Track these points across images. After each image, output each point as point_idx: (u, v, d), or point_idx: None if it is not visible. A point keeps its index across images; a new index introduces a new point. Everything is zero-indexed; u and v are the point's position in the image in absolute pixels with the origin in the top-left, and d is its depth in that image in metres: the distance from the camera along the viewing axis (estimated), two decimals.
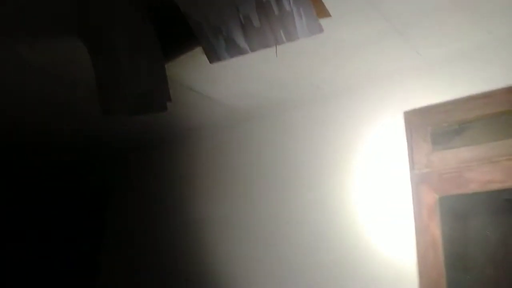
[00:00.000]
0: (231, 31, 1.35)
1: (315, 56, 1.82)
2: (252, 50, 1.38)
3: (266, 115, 2.35)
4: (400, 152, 1.84)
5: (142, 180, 2.95)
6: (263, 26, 1.30)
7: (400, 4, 1.49)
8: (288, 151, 2.22)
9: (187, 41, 1.55)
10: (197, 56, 1.67)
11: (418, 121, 1.83)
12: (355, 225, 1.88)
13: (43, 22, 1.59)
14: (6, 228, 3.31)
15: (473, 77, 1.71)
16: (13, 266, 3.25)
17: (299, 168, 2.15)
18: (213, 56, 1.45)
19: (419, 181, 1.77)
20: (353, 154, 1.97)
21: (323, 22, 1.33)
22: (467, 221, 1.73)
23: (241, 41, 1.37)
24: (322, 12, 1.31)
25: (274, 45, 1.34)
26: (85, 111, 2.31)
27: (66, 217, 3.39)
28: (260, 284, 2.11)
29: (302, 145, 2.17)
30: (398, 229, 1.76)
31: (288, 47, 1.46)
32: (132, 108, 1.53)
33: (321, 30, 1.28)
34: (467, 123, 1.73)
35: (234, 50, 1.41)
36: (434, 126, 1.79)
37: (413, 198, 1.76)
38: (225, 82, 2.06)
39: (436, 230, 1.68)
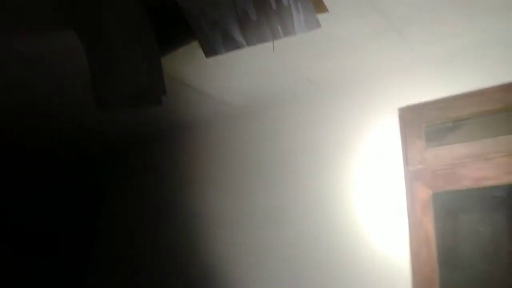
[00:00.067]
0: (228, 25, 1.34)
1: (311, 52, 1.82)
2: (249, 44, 1.37)
3: (261, 111, 2.35)
4: (394, 148, 1.85)
5: (136, 176, 2.93)
6: (260, 20, 1.29)
7: (396, 0, 1.49)
8: (283, 146, 2.22)
9: (183, 35, 1.54)
10: (193, 50, 1.65)
11: (412, 117, 1.84)
12: (349, 221, 1.89)
13: (38, 15, 1.56)
14: None
15: (468, 74, 1.72)
16: (6, 264, 3.20)
17: (294, 164, 2.15)
18: (209, 50, 1.44)
19: (412, 178, 1.78)
20: (347, 150, 1.98)
21: (320, 17, 1.32)
22: (460, 217, 1.74)
23: (238, 35, 1.36)
24: (320, 7, 1.31)
25: (271, 39, 1.33)
26: (79, 106, 2.29)
27: (59, 214, 3.33)
28: (256, 279, 2.11)
29: (296, 141, 2.17)
30: (391, 225, 1.77)
31: (284, 42, 1.45)
32: (127, 102, 1.52)
33: (318, 25, 1.28)
34: (461, 120, 1.74)
35: (231, 44, 1.39)
36: (428, 123, 1.80)
37: (406, 194, 1.77)
38: (220, 78, 2.05)
39: (429, 226, 1.69)
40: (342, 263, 1.85)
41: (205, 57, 1.46)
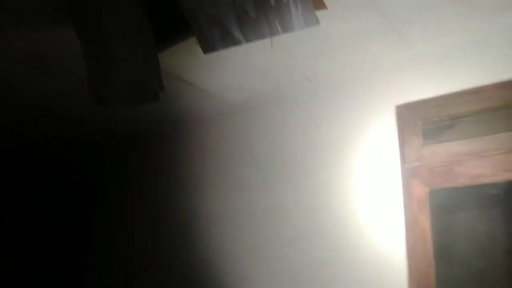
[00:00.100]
0: (226, 21, 1.33)
1: (309, 49, 1.81)
2: (247, 41, 1.36)
3: (259, 108, 2.34)
4: (391, 145, 1.85)
5: (134, 173, 2.92)
6: (258, 16, 1.28)
7: None
8: (281, 143, 2.22)
9: (181, 30, 1.53)
10: (190, 46, 1.65)
11: (409, 115, 1.84)
12: (346, 217, 1.90)
13: (34, 9, 1.55)
14: None
15: (465, 72, 1.72)
16: (3, 264, 3.18)
17: (292, 161, 2.15)
18: (207, 46, 1.43)
19: (409, 175, 1.78)
20: (345, 148, 1.98)
21: (319, 14, 1.32)
22: (457, 214, 1.75)
23: (236, 32, 1.35)
24: (319, 4, 1.30)
25: (269, 36, 1.32)
26: (75, 102, 2.28)
27: (56, 213, 3.29)
28: (255, 277, 2.12)
29: (294, 138, 2.17)
30: (388, 221, 1.78)
31: (282, 40, 1.45)
32: (124, 98, 1.51)
33: (317, 22, 1.27)
34: (458, 117, 1.74)
35: (229, 40, 1.39)
36: (425, 121, 1.80)
37: (403, 191, 1.78)
38: (218, 75, 2.04)
39: (425, 223, 1.70)
40: (340, 258, 1.86)
41: (203, 53, 1.45)
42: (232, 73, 2.03)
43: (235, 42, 1.38)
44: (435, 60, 1.81)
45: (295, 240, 2.03)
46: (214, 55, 1.47)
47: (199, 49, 1.44)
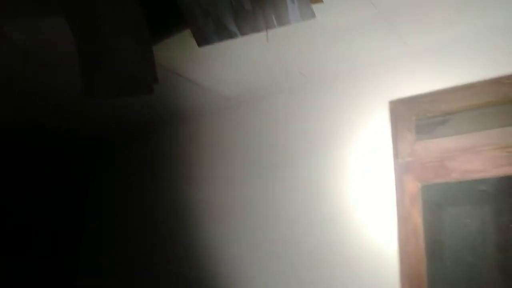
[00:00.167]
0: (221, 13, 1.32)
1: (303, 43, 1.81)
2: (242, 34, 1.35)
3: (254, 102, 2.34)
4: (384, 140, 1.86)
5: (126, 167, 2.91)
6: (254, 9, 1.28)
7: None
8: (275, 137, 2.22)
9: (175, 23, 1.52)
10: (185, 39, 1.64)
11: (403, 110, 1.84)
12: (339, 211, 1.90)
13: (28, 0, 1.53)
14: None
15: (458, 68, 1.73)
16: None
17: (285, 155, 2.15)
18: (202, 39, 1.42)
19: (402, 170, 1.79)
20: (338, 143, 1.99)
21: (314, 8, 1.32)
22: (448, 210, 1.76)
23: (231, 25, 1.34)
24: None
25: (265, 29, 1.32)
26: (67, 94, 2.25)
27: (43, 209, 3.25)
28: (249, 268, 2.12)
29: (288, 132, 2.17)
30: (381, 216, 1.79)
31: (276, 33, 1.44)
32: (117, 90, 1.49)
33: (313, 15, 1.27)
34: (451, 113, 1.75)
35: (224, 33, 1.38)
36: (418, 116, 1.81)
37: (396, 186, 1.79)
38: (212, 68, 2.03)
39: (417, 218, 1.71)
40: (332, 252, 1.87)
41: (197, 46, 1.44)
42: (226, 67, 2.02)
43: (230, 35, 1.37)
44: (429, 55, 1.81)
45: (287, 233, 2.03)
46: (209, 48, 1.46)
47: (193, 42, 1.44)
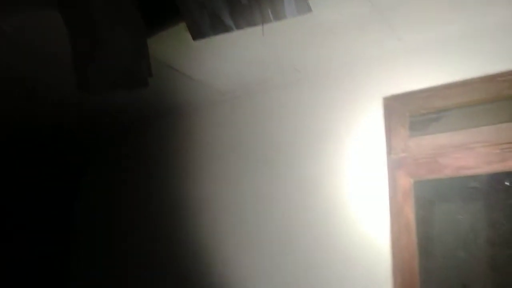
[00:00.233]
0: (216, 7, 1.32)
1: (298, 38, 1.80)
2: (238, 28, 1.35)
3: (248, 97, 2.33)
4: (378, 136, 1.86)
5: (120, 161, 2.89)
6: (250, 3, 1.27)
7: None
8: (267, 132, 2.21)
9: (170, 15, 1.51)
10: (179, 32, 1.63)
11: (397, 106, 1.85)
12: (333, 205, 1.91)
13: None
14: None
15: (453, 64, 1.73)
16: None
17: (279, 150, 2.15)
18: (197, 32, 1.42)
19: (395, 166, 1.80)
20: (332, 138, 1.99)
21: (310, 2, 1.31)
22: (441, 206, 1.78)
23: (227, 18, 1.34)
24: None
25: (260, 23, 1.31)
26: (60, 88, 2.22)
27: (34, 204, 3.20)
28: (243, 263, 2.13)
29: (282, 127, 2.17)
30: (374, 211, 1.80)
31: (270, 27, 1.43)
32: (111, 83, 1.48)
33: (309, 9, 1.27)
34: (444, 110, 1.76)
35: (219, 27, 1.37)
36: (412, 112, 1.82)
37: (389, 182, 1.80)
38: (206, 62, 2.02)
39: (410, 214, 1.72)
40: (325, 246, 1.88)
41: (192, 40, 1.44)
42: (221, 61, 2.01)
43: (225, 29, 1.37)
44: (423, 51, 1.82)
45: (281, 228, 2.04)
46: (204, 42, 1.46)
47: (188, 36, 1.43)
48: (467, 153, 1.65)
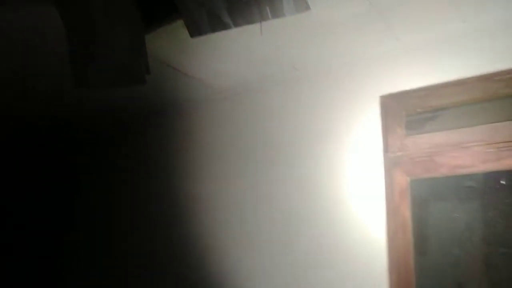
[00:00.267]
0: (215, 4, 1.31)
1: (297, 36, 1.81)
2: (236, 25, 1.35)
3: (246, 95, 2.33)
4: (375, 135, 1.87)
5: (117, 159, 2.88)
6: (249, 1, 1.27)
7: None
8: (265, 130, 2.22)
9: (168, 12, 1.50)
10: (177, 30, 1.62)
11: (393, 105, 1.86)
12: (330, 203, 1.91)
13: None
14: None
15: (449, 64, 1.74)
16: None
17: (276, 148, 2.15)
18: (195, 30, 1.41)
19: (392, 164, 1.81)
20: (329, 137, 1.99)
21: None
22: (437, 204, 1.78)
23: (225, 16, 1.34)
24: None
25: (259, 21, 1.31)
26: (59, 87, 2.21)
27: (33, 203, 3.18)
28: (243, 259, 2.13)
29: (279, 125, 2.17)
30: (370, 209, 1.80)
31: (269, 25, 1.43)
32: (108, 80, 1.47)
33: (307, 7, 1.27)
34: (441, 109, 1.77)
35: (217, 24, 1.37)
36: (409, 111, 1.82)
37: (385, 181, 1.80)
38: (204, 60, 2.02)
39: (406, 212, 1.73)
40: (322, 244, 1.89)
41: (190, 37, 1.43)
42: (219, 59, 2.01)
43: (223, 27, 1.37)
44: (420, 51, 1.82)
45: (279, 226, 2.04)
46: (202, 40, 1.46)
47: (186, 33, 1.43)
48: (463, 152, 1.66)
